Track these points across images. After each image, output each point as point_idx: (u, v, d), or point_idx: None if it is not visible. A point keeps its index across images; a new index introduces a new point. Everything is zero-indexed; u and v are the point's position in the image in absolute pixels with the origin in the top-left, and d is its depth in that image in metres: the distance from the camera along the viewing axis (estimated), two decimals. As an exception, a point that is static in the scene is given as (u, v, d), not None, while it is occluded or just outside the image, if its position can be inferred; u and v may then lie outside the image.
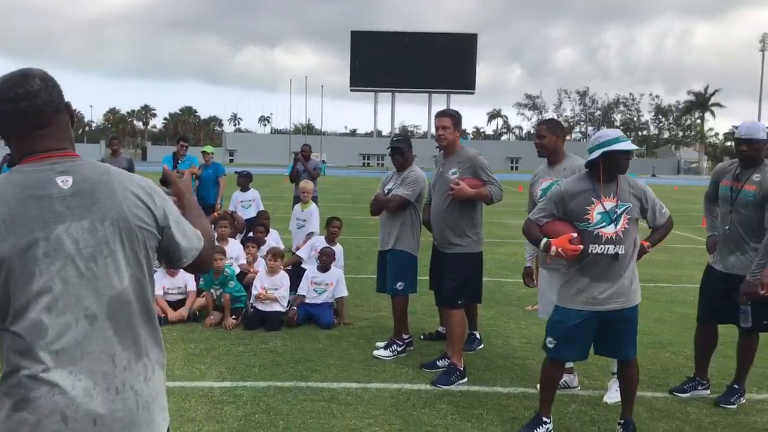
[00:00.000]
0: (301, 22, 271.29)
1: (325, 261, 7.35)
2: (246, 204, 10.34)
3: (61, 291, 1.80)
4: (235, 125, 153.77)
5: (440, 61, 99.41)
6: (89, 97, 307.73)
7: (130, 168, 11.10)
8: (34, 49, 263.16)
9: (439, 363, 5.74)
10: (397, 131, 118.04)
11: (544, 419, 4.47)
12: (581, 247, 4.09)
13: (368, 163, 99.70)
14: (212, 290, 7.18)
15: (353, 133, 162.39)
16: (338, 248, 7.91)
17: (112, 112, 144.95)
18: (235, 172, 10.80)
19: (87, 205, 1.83)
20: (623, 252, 4.16)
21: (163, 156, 10.84)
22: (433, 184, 5.82)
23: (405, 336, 6.27)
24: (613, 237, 4.15)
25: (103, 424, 1.82)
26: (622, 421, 4.49)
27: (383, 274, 6.34)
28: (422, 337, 6.65)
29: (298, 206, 8.93)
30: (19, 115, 1.84)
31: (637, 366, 4.49)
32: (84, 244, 1.82)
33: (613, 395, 5.03)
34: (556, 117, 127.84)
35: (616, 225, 4.15)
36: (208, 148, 11.32)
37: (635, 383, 4.48)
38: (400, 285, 6.10)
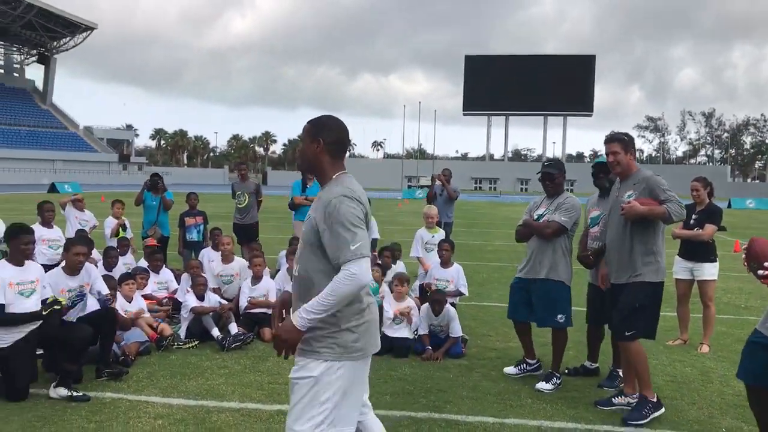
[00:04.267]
0: (415, 49, 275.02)
1: (437, 310, 6.93)
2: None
3: None
4: (349, 151, 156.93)
5: (556, 84, 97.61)
6: (214, 124, 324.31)
7: (257, 191, 11.44)
8: (164, 79, 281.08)
9: (615, 400, 5.39)
10: (510, 155, 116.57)
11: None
12: None
13: (480, 187, 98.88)
14: None
15: (464, 156, 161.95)
16: (456, 269, 7.71)
17: (235, 138, 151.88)
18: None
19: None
20: None
21: (293, 182, 11.05)
22: (607, 211, 5.55)
23: (531, 361, 6.25)
24: None
25: None
26: None
27: (519, 301, 6.08)
28: (567, 371, 6.26)
29: (424, 231, 8.80)
30: None
31: None
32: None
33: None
34: (679, 139, 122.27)
35: None
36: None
37: None
38: (561, 317, 5.87)
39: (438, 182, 11.64)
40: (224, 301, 7.57)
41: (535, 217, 6.04)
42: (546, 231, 5.84)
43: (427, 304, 7.00)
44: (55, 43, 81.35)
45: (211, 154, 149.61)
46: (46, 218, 8.37)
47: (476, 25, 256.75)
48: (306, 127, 3.19)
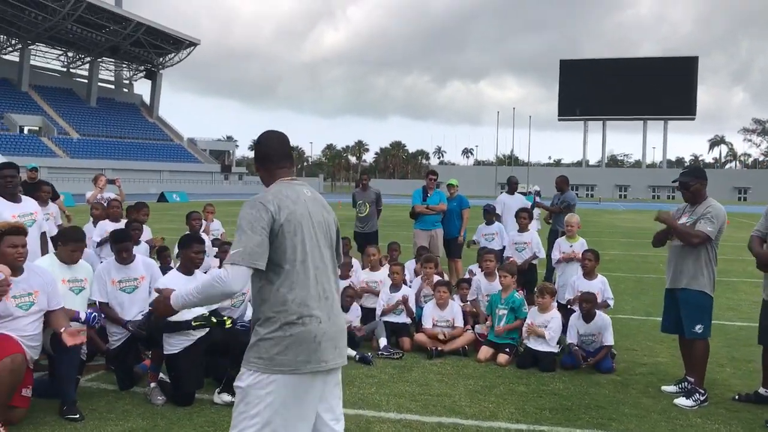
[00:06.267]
0: (505, 55, 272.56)
1: (586, 309, 6.81)
2: (489, 237, 10.25)
3: None
4: (439, 158, 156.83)
5: (656, 87, 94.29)
6: (309, 134, 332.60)
7: (378, 199, 11.51)
8: (261, 92, 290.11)
9: None
10: (606, 160, 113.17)
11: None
12: None
13: (576, 194, 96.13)
14: (498, 308, 7.14)
15: (558, 163, 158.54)
16: (600, 280, 7.49)
17: (329, 147, 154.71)
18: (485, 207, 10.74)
19: None
20: None
21: (414, 190, 11.07)
22: None
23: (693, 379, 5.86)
24: None
25: None
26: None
27: (667, 313, 5.96)
28: (736, 397, 5.81)
29: (563, 239, 8.59)
30: None
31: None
32: None
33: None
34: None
35: None
36: (454, 181, 11.40)
37: None
38: (699, 328, 5.64)
39: (557, 191, 11.40)
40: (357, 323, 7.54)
41: None
42: (693, 240, 5.63)
43: (576, 312, 6.86)
44: (161, 59, 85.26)
45: (305, 163, 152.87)
46: (193, 227, 8.70)
47: (568, 29, 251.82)
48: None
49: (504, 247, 10.02)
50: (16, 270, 4.90)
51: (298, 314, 2.91)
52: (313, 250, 2.99)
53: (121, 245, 5.88)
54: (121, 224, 8.36)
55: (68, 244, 5.68)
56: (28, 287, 4.95)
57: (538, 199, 11.07)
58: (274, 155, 3.17)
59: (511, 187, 11.40)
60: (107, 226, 8.41)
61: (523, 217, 9.16)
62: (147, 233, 8.52)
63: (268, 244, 2.89)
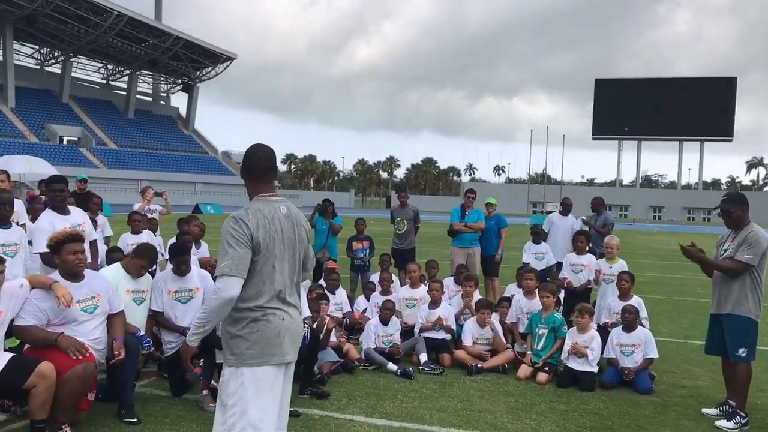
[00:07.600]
0: (540, 72, 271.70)
1: (628, 318, 7.07)
2: (539, 256, 10.32)
3: None
4: (470, 175, 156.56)
5: (693, 107, 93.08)
6: (341, 148, 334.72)
7: (416, 217, 11.63)
8: (293, 105, 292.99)
9: None
10: (641, 181, 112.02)
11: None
12: None
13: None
14: (538, 328, 7.24)
15: (591, 182, 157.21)
16: (636, 301, 7.57)
17: (361, 163, 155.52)
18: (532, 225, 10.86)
19: None
20: None
21: (452, 208, 11.22)
22: None
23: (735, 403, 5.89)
24: None
25: None
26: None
27: (711, 336, 6.05)
28: None
29: (602, 261, 8.69)
30: None
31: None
32: None
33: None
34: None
35: None
36: (492, 200, 11.52)
37: None
38: (742, 351, 5.71)
39: (593, 212, 11.44)
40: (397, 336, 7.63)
41: (722, 252, 5.95)
42: (732, 273, 5.74)
43: (618, 327, 7.09)
44: (198, 72, 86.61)
45: (336, 177, 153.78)
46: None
47: (601, 47, 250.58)
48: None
49: (548, 266, 10.11)
50: (77, 276, 5.15)
51: (262, 312, 3.32)
52: (280, 263, 3.39)
53: (180, 259, 6.13)
54: (143, 237, 8.68)
55: (142, 259, 5.96)
56: (91, 291, 5.16)
57: (584, 218, 11.09)
58: (259, 168, 3.53)
59: (565, 208, 11.41)
60: (128, 239, 8.70)
61: (581, 241, 9.10)
62: (204, 249, 8.67)
63: (250, 255, 3.28)
